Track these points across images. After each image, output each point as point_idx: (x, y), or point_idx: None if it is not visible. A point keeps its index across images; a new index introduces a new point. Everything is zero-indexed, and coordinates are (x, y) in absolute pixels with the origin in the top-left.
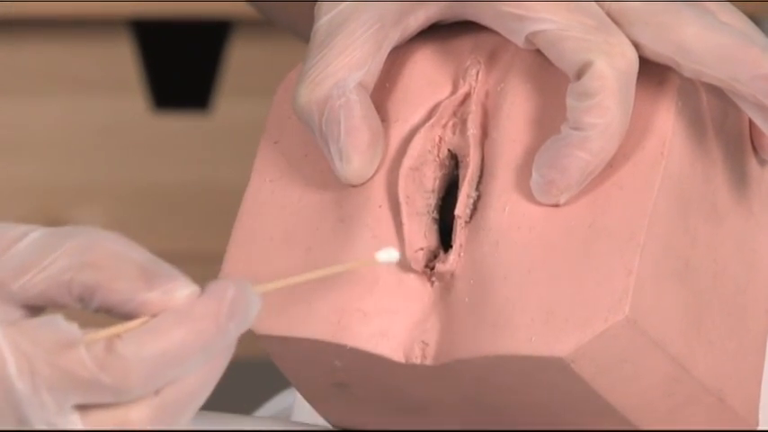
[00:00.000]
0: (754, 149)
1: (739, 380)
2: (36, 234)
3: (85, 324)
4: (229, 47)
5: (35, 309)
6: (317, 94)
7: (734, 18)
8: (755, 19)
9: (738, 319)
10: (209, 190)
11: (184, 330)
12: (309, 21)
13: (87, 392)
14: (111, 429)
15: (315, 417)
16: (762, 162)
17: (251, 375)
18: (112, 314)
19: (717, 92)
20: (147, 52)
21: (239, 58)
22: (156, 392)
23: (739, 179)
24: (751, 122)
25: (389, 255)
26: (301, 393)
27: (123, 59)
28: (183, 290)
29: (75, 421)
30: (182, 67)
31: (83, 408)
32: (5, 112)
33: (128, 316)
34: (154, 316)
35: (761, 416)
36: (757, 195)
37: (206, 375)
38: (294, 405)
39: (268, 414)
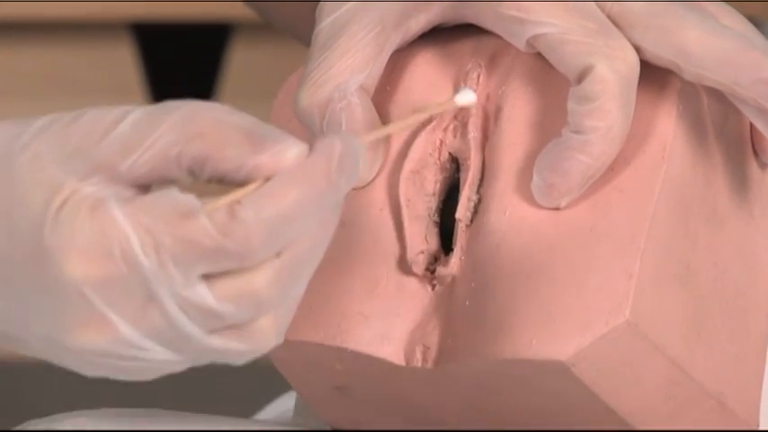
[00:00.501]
0: (755, 153)
1: (740, 383)
2: (136, 113)
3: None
4: (230, 50)
5: (145, 187)
6: (319, 97)
7: (735, 21)
8: (756, 21)
9: (739, 322)
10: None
11: (299, 190)
12: (310, 24)
13: (212, 260)
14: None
15: (316, 420)
16: (762, 165)
17: (252, 378)
18: (224, 182)
19: (718, 95)
20: (147, 55)
21: (240, 62)
22: (277, 255)
23: (740, 182)
24: (752, 126)
25: (468, 96)
26: (302, 396)
27: (124, 63)
28: (292, 150)
29: (203, 290)
30: (182, 71)
31: (208, 277)
32: (6, 115)
33: (240, 182)
34: (267, 179)
35: (761, 418)
36: (758, 199)
37: (320, 233)
38: (295, 408)
39: (269, 417)
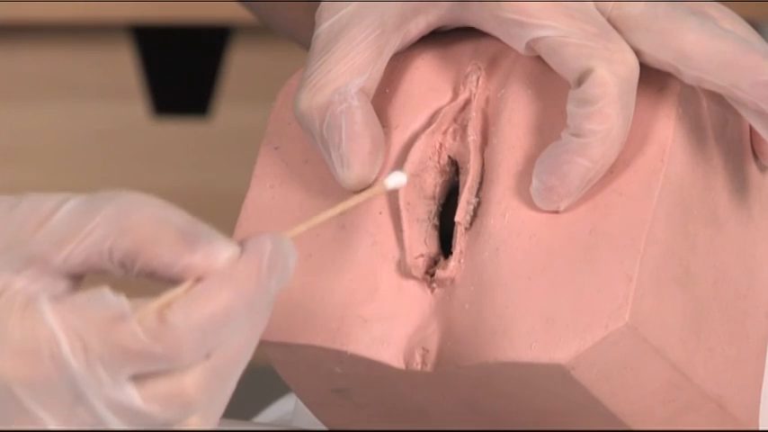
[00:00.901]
0: (755, 156)
1: (739, 386)
2: (71, 204)
3: (129, 287)
4: (229, 52)
5: (77, 277)
6: (319, 100)
7: (736, 25)
8: (756, 24)
9: (739, 325)
10: (209, 196)
11: (229, 292)
12: (309, 27)
13: (141, 363)
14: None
15: (315, 423)
16: (762, 168)
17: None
18: (155, 278)
19: (717, 98)
20: (147, 58)
21: (239, 64)
22: (207, 356)
23: (740, 185)
24: (751, 129)
25: (398, 179)
26: (301, 399)
27: (123, 65)
28: (224, 252)
29: (131, 392)
30: (182, 73)
31: (137, 378)
32: (5, 118)
33: (171, 280)
34: (198, 280)
35: (761, 421)
36: (757, 202)
37: (250, 333)
38: (294, 411)
39: (268, 420)
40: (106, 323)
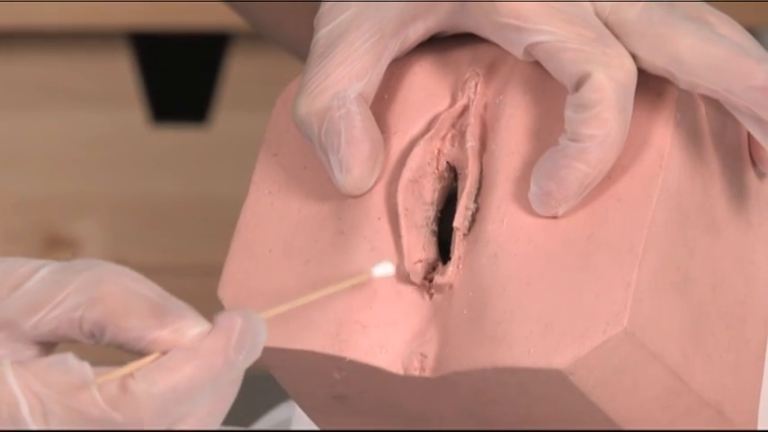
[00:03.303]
0: (753, 162)
1: (738, 392)
2: (45, 270)
3: (98, 354)
4: (228, 60)
5: (47, 344)
6: (317, 106)
7: (733, 31)
8: (754, 30)
9: (737, 331)
10: (208, 202)
11: (194, 366)
12: (305, 39)
13: (101, 430)
14: None
15: (314, 429)
16: (760, 175)
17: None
18: (123, 350)
19: (715, 104)
20: (145, 65)
21: (238, 71)
22: (169, 426)
23: (738, 191)
24: (749, 135)
25: (385, 269)
26: (300, 406)
27: (121, 72)
28: (193, 328)
29: None
30: (180, 80)
31: None
32: (3, 125)
33: (139, 353)
34: (164, 353)
35: (759, 427)
36: (756, 208)
37: (215, 407)
38: (293, 418)
39: (267, 427)
40: (67, 389)
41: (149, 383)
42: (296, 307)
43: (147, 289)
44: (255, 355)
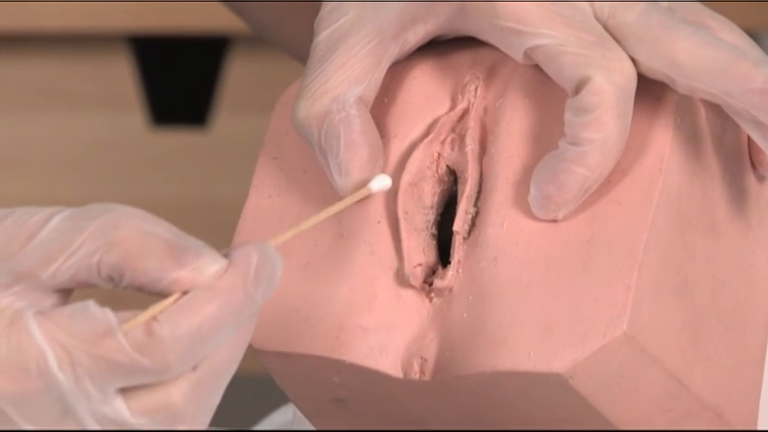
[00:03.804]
0: (753, 165)
1: (737, 395)
2: (58, 218)
3: (119, 299)
4: (228, 63)
5: (67, 291)
6: (317, 109)
7: (732, 35)
8: (755, 34)
9: (737, 334)
10: (208, 205)
11: (216, 305)
12: (305, 42)
13: (129, 376)
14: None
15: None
16: (760, 179)
17: (250, 391)
18: (143, 292)
19: (715, 108)
20: (145, 68)
21: (237, 75)
22: (194, 367)
23: (737, 195)
24: (749, 139)
25: (382, 182)
26: (300, 409)
27: (122, 75)
28: (212, 265)
29: (119, 405)
30: (180, 84)
31: (125, 391)
32: (3, 128)
33: (159, 293)
34: (185, 293)
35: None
36: (755, 211)
37: (236, 344)
38: (293, 421)
39: (267, 430)
40: (92, 337)
41: (174, 326)
42: (303, 230)
43: (163, 229)
44: (273, 286)
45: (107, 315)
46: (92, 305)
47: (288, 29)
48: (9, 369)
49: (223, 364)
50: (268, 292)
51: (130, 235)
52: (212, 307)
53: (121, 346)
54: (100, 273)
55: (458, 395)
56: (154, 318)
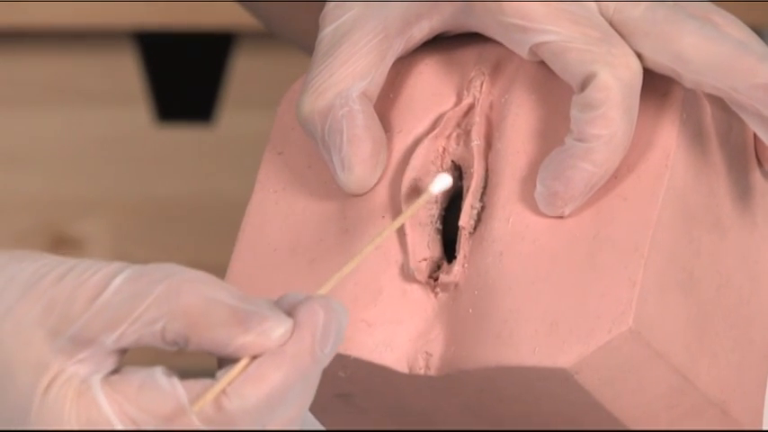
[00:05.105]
0: (759, 162)
1: (743, 391)
2: (120, 279)
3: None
4: (233, 59)
5: (126, 349)
6: (321, 104)
7: (738, 30)
8: (759, 30)
9: (742, 330)
10: (213, 202)
11: (284, 372)
12: (314, 34)
13: None
14: None
15: (318, 427)
16: (766, 174)
17: None
18: (209, 355)
19: (721, 104)
20: (150, 64)
21: (243, 70)
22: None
23: (743, 191)
24: (755, 135)
25: (443, 182)
26: None
27: (127, 71)
28: (277, 329)
29: None
30: (185, 79)
31: None
32: (9, 124)
33: (226, 357)
34: (253, 358)
35: (764, 426)
36: (761, 207)
37: (303, 400)
38: None
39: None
40: (164, 414)
41: (243, 399)
42: (365, 255)
43: (226, 294)
44: (340, 342)
45: (176, 389)
46: (159, 376)
47: (297, 22)
48: None
49: (290, 420)
50: (335, 349)
51: (195, 302)
52: (280, 375)
53: (193, 425)
54: (165, 339)
55: (463, 390)
56: (223, 392)
